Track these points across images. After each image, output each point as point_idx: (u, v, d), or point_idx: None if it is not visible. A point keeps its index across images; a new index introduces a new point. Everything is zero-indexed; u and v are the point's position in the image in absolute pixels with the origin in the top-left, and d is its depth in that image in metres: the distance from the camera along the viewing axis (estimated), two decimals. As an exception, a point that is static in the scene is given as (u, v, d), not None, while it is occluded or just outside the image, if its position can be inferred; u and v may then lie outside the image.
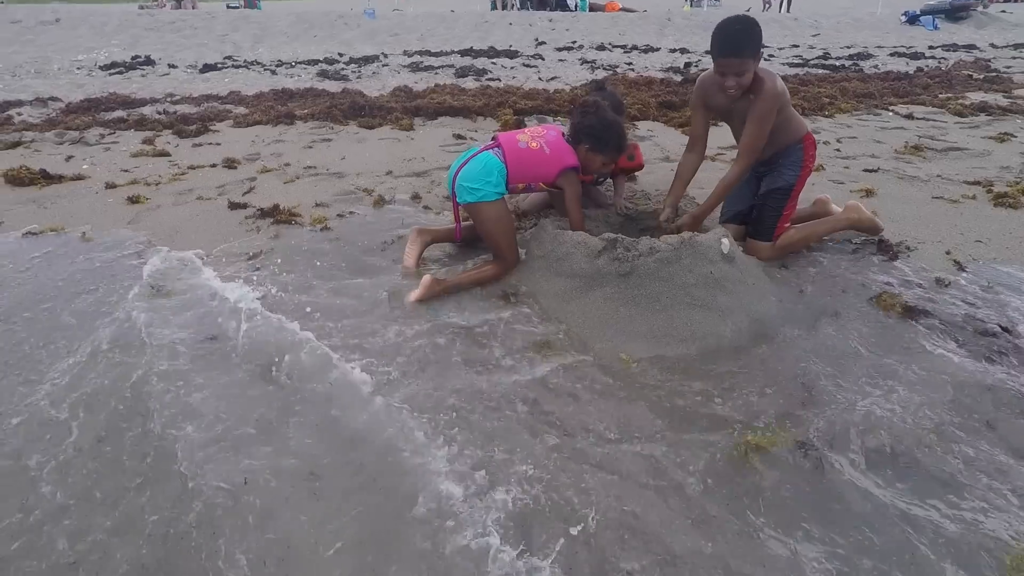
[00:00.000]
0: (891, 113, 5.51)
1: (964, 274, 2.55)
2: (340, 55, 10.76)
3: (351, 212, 3.29)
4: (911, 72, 8.07)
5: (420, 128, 5.15)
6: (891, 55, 10.10)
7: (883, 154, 4.25)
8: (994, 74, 7.75)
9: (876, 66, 8.91)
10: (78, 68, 9.18)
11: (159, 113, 5.69)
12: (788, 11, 19.75)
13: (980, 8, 15.63)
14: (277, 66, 9.51)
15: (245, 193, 3.62)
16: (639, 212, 2.94)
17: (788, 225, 2.70)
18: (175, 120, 5.31)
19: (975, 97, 6.20)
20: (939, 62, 9.22)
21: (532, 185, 2.58)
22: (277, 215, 3.20)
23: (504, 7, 20.77)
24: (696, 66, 9.11)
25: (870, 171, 3.84)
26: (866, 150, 4.35)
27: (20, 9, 17.16)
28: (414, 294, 2.37)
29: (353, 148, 4.58)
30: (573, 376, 1.94)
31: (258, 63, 9.78)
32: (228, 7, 22.42)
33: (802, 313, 2.29)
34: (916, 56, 9.72)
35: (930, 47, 11.06)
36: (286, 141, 4.78)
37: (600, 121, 2.49)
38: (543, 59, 10.02)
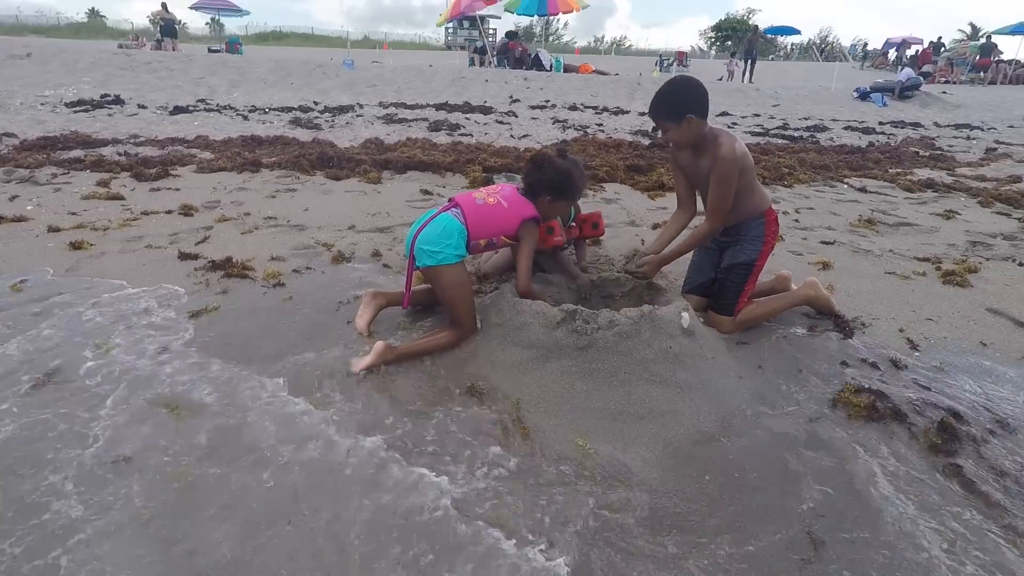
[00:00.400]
0: (846, 186, 5.77)
1: (917, 354, 2.59)
2: (315, 103, 10.87)
3: (308, 268, 3.20)
4: (863, 146, 8.54)
5: (388, 182, 5.15)
6: (845, 128, 10.71)
7: (839, 226, 4.40)
8: (939, 152, 8.25)
9: (832, 138, 9.42)
10: (42, 104, 9.03)
11: (119, 154, 5.58)
12: (751, 81, 20.90)
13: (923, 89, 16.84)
14: (250, 111, 9.53)
15: (199, 243, 3.50)
16: (602, 279, 2.93)
17: (749, 299, 2.72)
18: (135, 163, 5.20)
19: (922, 173, 6.56)
20: (888, 137, 9.80)
21: (494, 241, 2.56)
22: (229, 268, 3.09)
23: (482, 64, 21.51)
24: (663, 130, 9.47)
25: (827, 243, 3.95)
26: (823, 221, 4.51)
27: (-10, 41, 16.98)
28: (362, 361, 2.28)
29: (317, 200, 4.52)
30: (519, 483, 1.84)
31: (231, 107, 9.79)
32: (209, 51, 22.56)
33: (761, 392, 2.27)
34: (868, 131, 10.33)
35: (880, 123, 11.78)
36: (249, 189, 4.71)
37: (555, 171, 2.53)
38: (516, 116, 10.30)
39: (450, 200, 2.58)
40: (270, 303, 2.79)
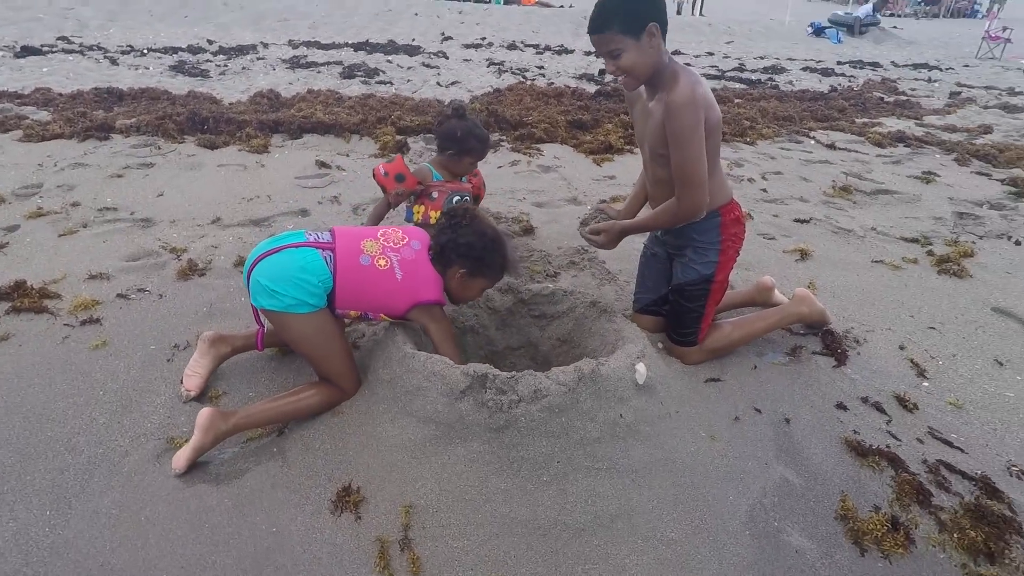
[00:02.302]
0: (813, 141, 5.27)
1: (926, 384, 2.12)
2: (209, 42, 9.46)
3: (141, 290, 2.42)
4: (825, 91, 8.09)
5: (277, 150, 4.26)
6: (803, 69, 10.23)
7: (812, 196, 3.90)
8: (904, 98, 7.90)
9: (791, 82, 8.92)
10: None
11: (-83, 118, 4.42)
12: (701, 14, 20.13)
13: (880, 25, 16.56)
14: (123, 53, 8.13)
15: (-11, 255, 2.64)
16: (532, 294, 2.26)
17: (714, 321, 2.16)
18: (-65, 130, 4.09)
19: (891, 124, 6.15)
20: (849, 80, 9.39)
21: (371, 315, 1.85)
22: (19, 298, 2.28)
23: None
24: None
25: (802, 221, 3.44)
26: (793, 190, 3.99)
27: None
28: (182, 454, 1.60)
29: (179, 179, 3.64)
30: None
31: (99, 48, 8.33)
32: None
33: (739, 468, 1.73)
34: (827, 72, 9.89)
35: (839, 62, 11.38)
36: (89, 165, 3.75)
37: (478, 236, 1.82)
38: (447, 58, 9.27)
39: (330, 232, 1.83)
40: (70, 355, 2.03)
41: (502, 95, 6.38)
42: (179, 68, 7.23)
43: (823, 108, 6.61)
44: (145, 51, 8.37)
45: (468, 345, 2.18)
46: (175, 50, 8.58)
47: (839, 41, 15.17)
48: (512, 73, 8.22)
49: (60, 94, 5.44)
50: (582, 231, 2.20)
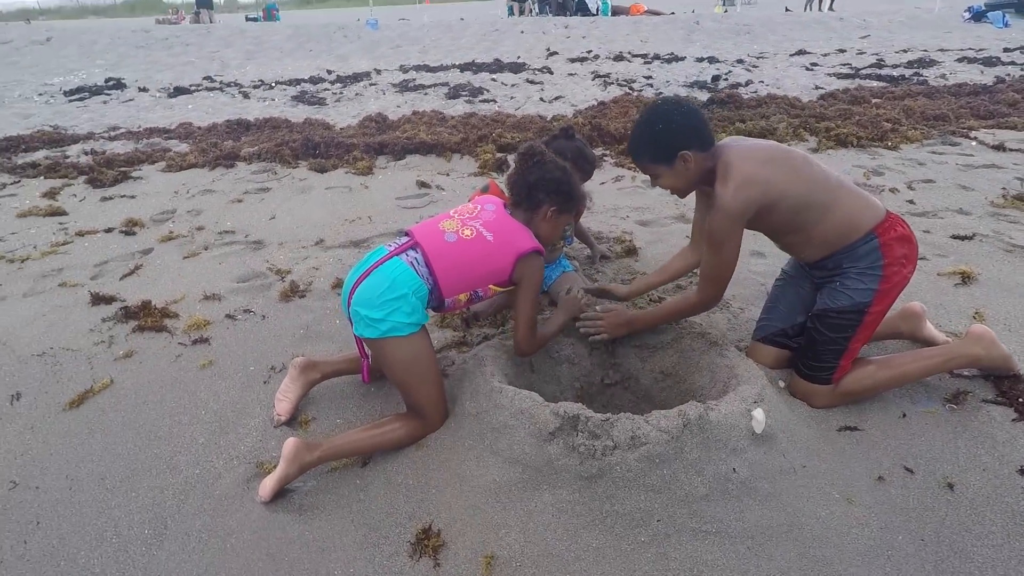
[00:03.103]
0: (974, 142, 4.58)
1: None
2: (329, 72, 10.22)
3: (247, 311, 2.55)
4: (989, 83, 7.08)
5: (381, 171, 4.42)
6: (959, 61, 9.08)
7: (975, 207, 3.35)
8: (1095, 85, 6.72)
9: (944, 75, 7.93)
10: (39, 94, 8.80)
11: (85, 153, 5.11)
12: (832, 8, 18.71)
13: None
14: (255, 87, 8.99)
15: (125, 276, 2.92)
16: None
17: (860, 361, 1.86)
18: (97, 163, 4.70)
19: (1078, 117, 5.22)
20: (1022, 69, 8.17)
21: (479, 293, 1.80)
22: (144, 317, 2.48)
23: (521, 13, 20.23)
24: (726, 78, 8.26)
25: (962, 238, 2.95)
26: (950, 201, 3.46)
27: (15, 28, 17.27)
28: (268, 482, 1.61)
29: (290, 202, 3.87)
30: None
31: (236, 84, 9.27)
32: (247, 19, 22.52)
33: (886, 541, 1.44)
34: (991, 62, 8.68)
35: (1006, 49, 9.97)
36: (216, 191, 4.11)
37: (558, 169, 1.84)
38: (551, 73, 9.30)
39: (406, 233, 1.84)
40: (180, 373, 2.16)
41: (607, 108, 6.23)
42: (300, 98, 7.85)
43: (987, 103, 5.76)
44: (273, 84, 9.20)
45: (563, 376, 2.05)
46: (298, 81, 9.35)
47: (1006, 25, 13.35)
48: (618, 85, 8.05)
49: (199, 127, 6.08)
50: (572, 303, 1.97)
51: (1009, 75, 7.71)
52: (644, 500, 1.42)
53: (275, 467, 1.66)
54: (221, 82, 9.52)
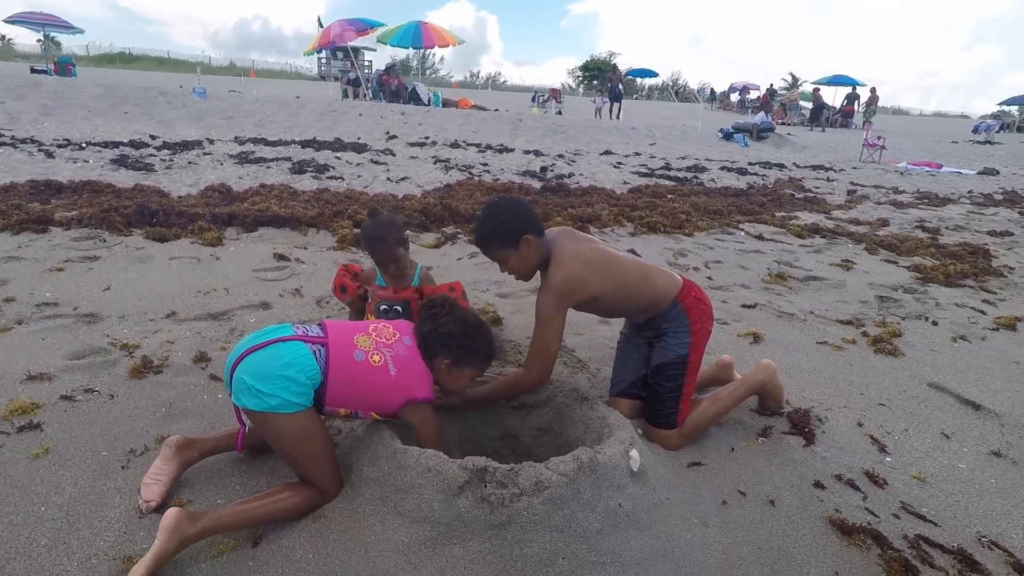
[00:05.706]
0: (743, 232, 5.72)
1: (888, 459, 2.22)
2: (153, 137, 9.38)
3: (89, 390, 2.22)
4: (744, 188, 8.89)
5: (232, 243, 4.17)
6: (721, 168, 11.26)
7: (752, 283, 4.18)
8: (811, 194, 8.78)
9: (713, 179, 9.76)
10: None
11: None
12: (619, 118, 21.87)
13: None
14: (60, 146, 7.90)
15: (-92, 357, 2.37)
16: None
17: (692, 401, 2.22)
18: None
19: (805, 217, 6.79)
20: (762, 178, 10.39)
21: (360, 414, 1.79)
22: (-54, 404, 2.03)
23: (355, 96, 20.60)
24: (551, 170, 9.25)
25: (748, 307, 3.66)
26: (735, 278, 4.27)
27: None
28: (142, 564, 1.42)
29: (128, 272, 3.47)
30: None
31: (33, 140, 8.07)
32: (32, 70, 19.16)
33: (735, 552, 1.72)
34: (742, 172, 10.92)
35: (750, 163, 12.61)
36: (25, 259, 3.52)
37: (460, 324, 1.82)
38: (394, 155, 9.59)
39: (320, 325, 1.79)
40: (4, 467, 1.80)
41: (453, 190, 6.61)
42: (121, 162, 7.08)
43: (746, 203, 7.24)
44: (83, 145, 8.17)
45: (449, 439, 2.11)
46: (116, 144, 8.43)
47: (746, 145, 16.88)
48: (459, 169, 8.57)
49: (-9, 186, 5.17)
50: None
51: (755, 183, 9.75)
52: (549, 540, 1.53)
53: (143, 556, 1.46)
54: (13, 137, 8.21)
